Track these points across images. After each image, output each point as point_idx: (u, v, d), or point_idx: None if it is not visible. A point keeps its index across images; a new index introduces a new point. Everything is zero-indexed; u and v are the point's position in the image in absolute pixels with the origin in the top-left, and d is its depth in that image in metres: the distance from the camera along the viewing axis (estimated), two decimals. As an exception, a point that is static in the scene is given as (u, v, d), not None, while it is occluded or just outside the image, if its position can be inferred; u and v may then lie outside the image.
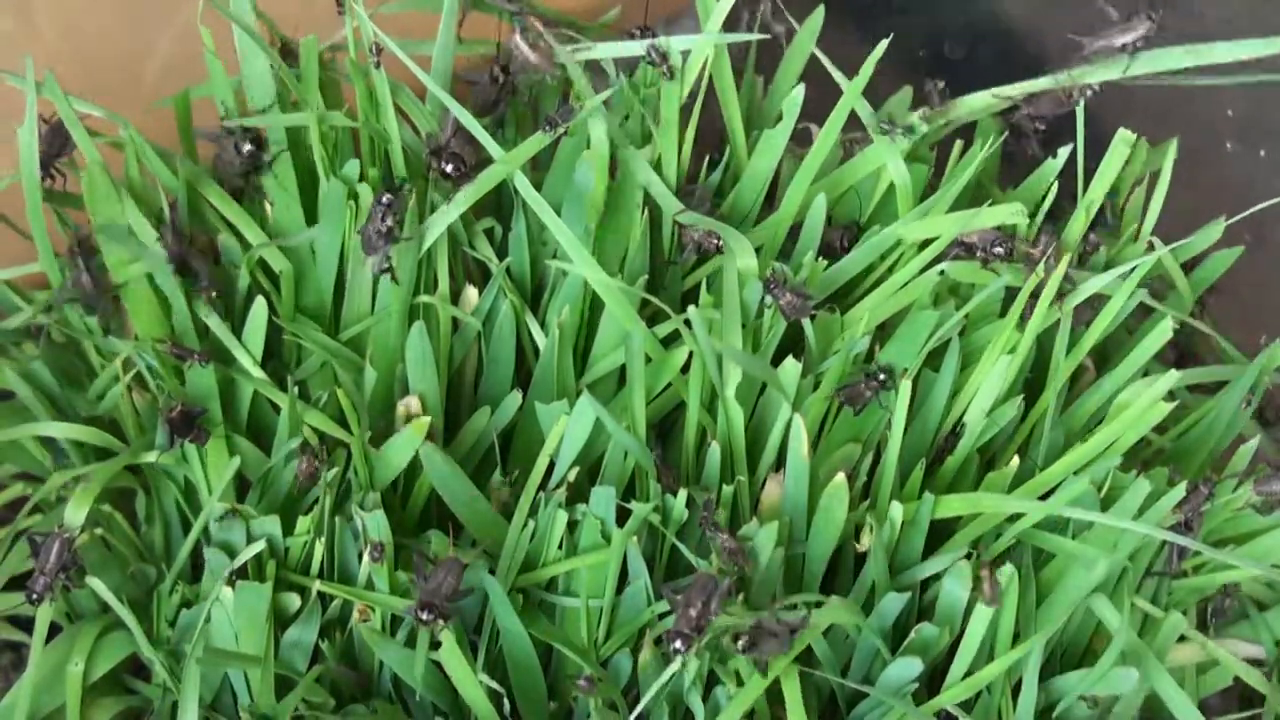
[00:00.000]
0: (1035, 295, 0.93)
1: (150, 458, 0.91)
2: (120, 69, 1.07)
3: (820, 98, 0.97)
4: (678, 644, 0.82)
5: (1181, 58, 0.98)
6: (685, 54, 0.95)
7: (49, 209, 0.93)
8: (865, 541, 0.91)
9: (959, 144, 1.01)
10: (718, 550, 0.87)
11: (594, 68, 0.97)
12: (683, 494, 0.89)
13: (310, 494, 0.91)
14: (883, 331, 0.96)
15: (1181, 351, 1.08)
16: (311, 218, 0.95)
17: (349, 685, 0.91)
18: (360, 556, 0.89)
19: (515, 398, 0.94)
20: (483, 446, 0.95)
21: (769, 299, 0.92)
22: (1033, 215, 0.96)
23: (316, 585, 0.88)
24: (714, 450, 0.91)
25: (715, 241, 0.94)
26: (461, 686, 0.88)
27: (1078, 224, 0.96)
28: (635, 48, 0.94)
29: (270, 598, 0.88)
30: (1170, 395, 0.92)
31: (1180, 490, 0.91)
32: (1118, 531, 0.90)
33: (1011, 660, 0.89)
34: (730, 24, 1.00)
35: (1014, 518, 0.92)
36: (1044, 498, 0.91)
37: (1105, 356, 1.02)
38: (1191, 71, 1.01)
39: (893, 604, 0.90)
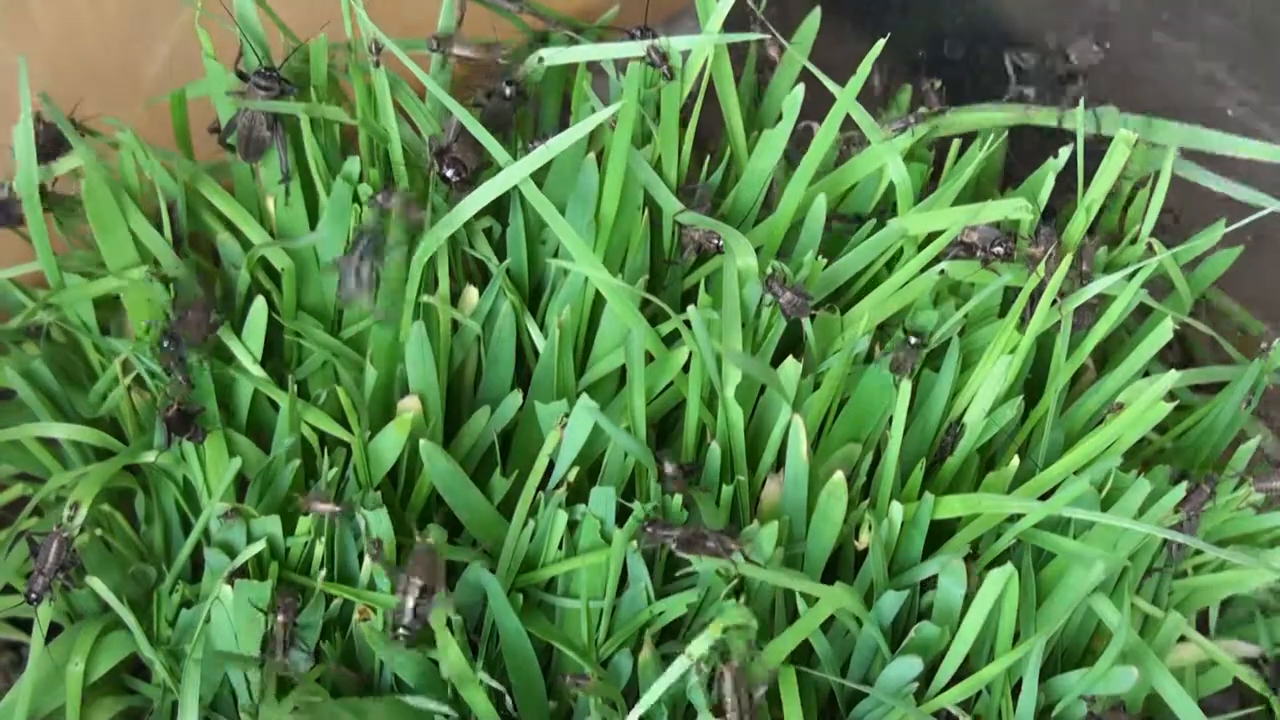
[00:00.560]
0: (1035, 295, 0.93)
1: (149, 457, 0.91)
2: (119, 70, 1.07)
3: (820, 97, 0.97)
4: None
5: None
6: (685, 54, 0.95)
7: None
8: (864, 540, 0.91)
9: (957, 141, 1.01)
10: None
11: (594, 68, 0.97)
12: (677, 498, 0.89)
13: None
14: (883, 331, 0.96)
15: (1183, 351, 1.09)
16: (314, 215, 0.95)
17: (349, 685, 0.91)
18: (361, 556, 0.89)
19: (515, 398, 0.94)
20: (483, 446, 0.95)
21: (768, 298, 0.92)
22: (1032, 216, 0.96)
23: (318, 585, 0.88)
24: (714, 450, 0.91)
25: (716, 241, 0.94)
26: (461, 686, 0.88)
27: (1078, 224, 0.96)
28: (635, 48, 0.94)
29: (271, 597, 0.88)
30: (1170, 395, 0.92)
31: (1181, 490, 0.91)
32: (1118, 532, 0.90)
33: (1011, 660, 0.89)
34: (731, 24, 1.00)
35: (1014, 518, 0.92)
36: (1044, 498, 0.91)
37: (1106, 357, 1.02)
38: (1192, 72, 1.01)
39: (891, 602, 0.90)
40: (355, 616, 0.89)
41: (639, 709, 0.83)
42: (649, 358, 0.92)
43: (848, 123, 0.96)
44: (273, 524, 0.90)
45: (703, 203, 0.97)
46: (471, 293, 0.95)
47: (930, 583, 0.93)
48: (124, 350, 0.93)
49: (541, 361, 0.94)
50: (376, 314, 0.92)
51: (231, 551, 0.90)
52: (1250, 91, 1.16)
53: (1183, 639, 0.96)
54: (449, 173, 0.92)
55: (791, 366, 0.91)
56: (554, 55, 0.96)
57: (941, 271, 0.94)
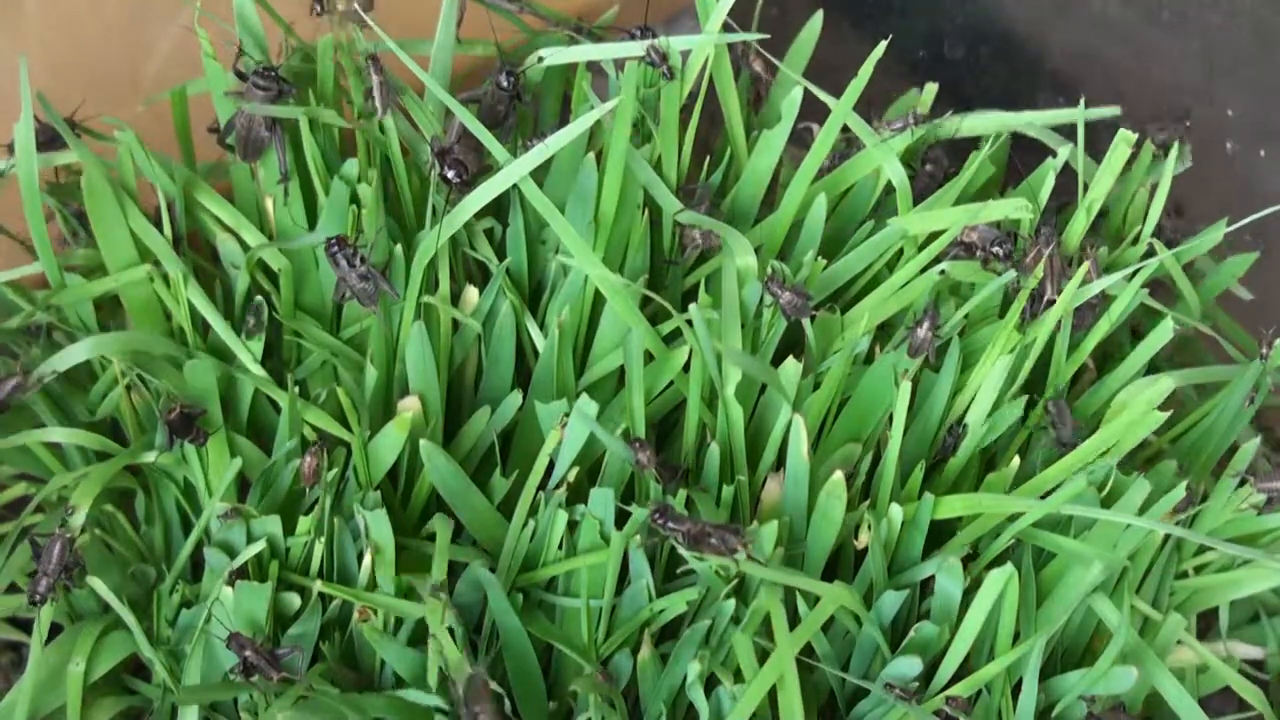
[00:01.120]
0: (1035, 296, 0.93)
1: (149, 458, 0.91)
2: (119, 69, 1.07)
3: (819, 98, 0.97)
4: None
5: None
6: (685, 54, 0.95)
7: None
8: (864, 539, 0.91)
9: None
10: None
11: (594, 68, 0.97)
12: (682, 494, 0.89)
13: (311, 493, 0.91)
14: (883, 331, 0.96)
15: (1185, 351, 1.08)
16: (312, 215, 0.95)
17: (349, 685, 0.91)
18: (360, 557, 0.89)
19: (515, 398, 0.94)
20: (483, 446, 0.95)
21: (768, 298, 0.92)
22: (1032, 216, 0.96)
23: (317, 585, 0.88)
24: (714, 450, 0.91)
25: (716, 240, 0.94)
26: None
27: (1078, 224, 0.96)
28: (635, 48, 0.94)
29: (270, 597, 0.88)
30: (1171, 395, 0.92)
31: (1181, 489, 0.91)
32: (1117, 533, 0.90)
33: (1011, 660, 0.89)
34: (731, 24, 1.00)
35: (1014, 517, 0.92)
36: (1044, 498, 0.91)
37: (1107, 357, 1.02)
38: (1192, 72, 1.01)
39: (891, 602, 0.90)
40: (355, 616, 0.89)
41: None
42: (649, 357, 0.92)
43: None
44: (273, 524, 0.90)
45: (702, 202, 0.97)
46: (472, 292, 0.95)
47: (931, 582, 0.93)
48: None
49: (541, 361, 0.94)
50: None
51: (231, 551, 0.90)
52: (1250, 92, 1.16)
53: (1181, 642, 0.96)
54: (450, 174, 0.92)
55: (791, 366, 0.91)
56: (554, 55, 0.96)
57: (942, 272, 0.94)
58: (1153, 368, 0.98)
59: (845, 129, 0.96)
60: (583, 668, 0.89)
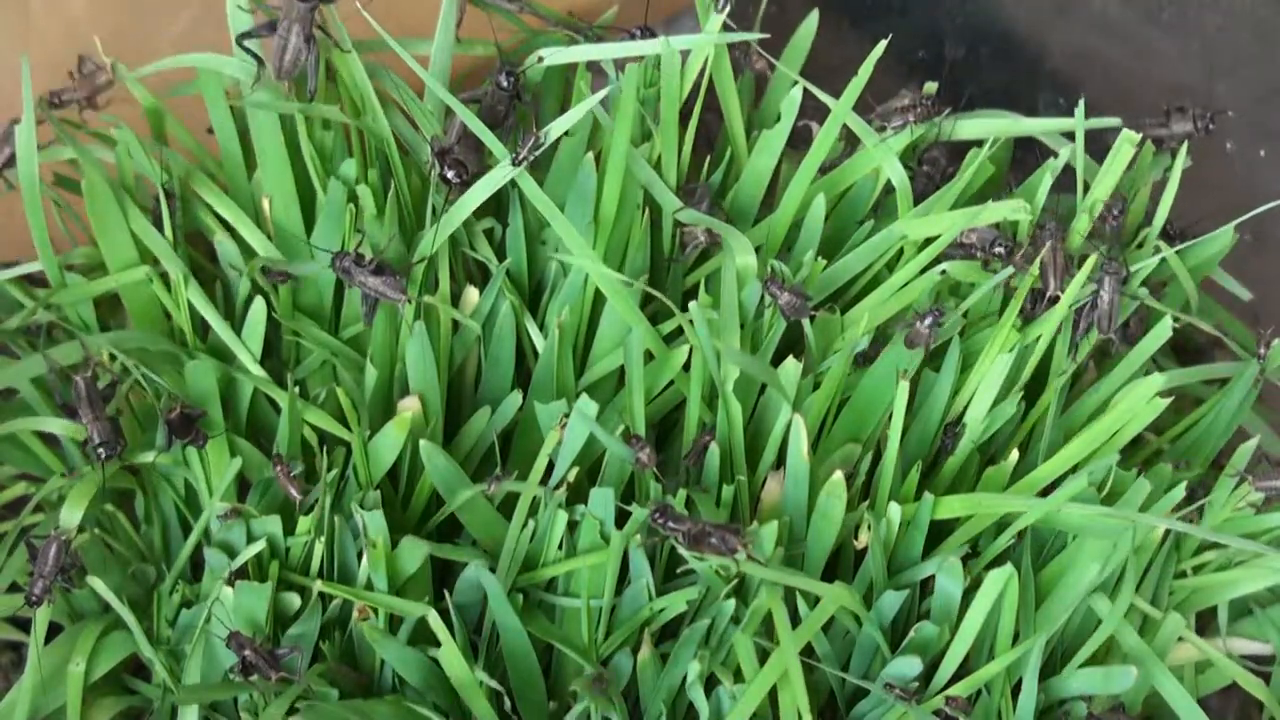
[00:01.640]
0: (1036, 295, 0.93)
1: (148, 458, 0.91)
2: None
3: (819, 98, 0.97)
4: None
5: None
6: (685, 54, 0.95)
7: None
8: (863, 539, 0.91)
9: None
10: None
11: (594, 67, 0.97)
12: (682, 493, 0.89)
13: (310, 494, 0.91)
14: (883, 332, 0.96)
15: (1187, 350, 1.08)
16: (309, 215, 0.95)
17: (349, 684, 0.91)
18: (360, 556, 0.89)
19: (515, 398, 0.94)
20: (483, 446, 0.95)
21: (768, 298, 0.92)
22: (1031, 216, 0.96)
23: (317, 585, 0.88)
24: (714, 450, 0.91)
25: (717, 238, 0.94)
26: (461, 686, 0.88)
27: (1080, 224, 0.96)
28: (635, 48, 0.94)
29: (271, 598, 0.88)
30: (1171, 393, 0.92)
31: (1181, 489, 0.91)
32: (1117, 533, 0.90)
33: (1011, 659, 0.89)
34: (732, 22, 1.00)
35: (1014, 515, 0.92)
36: (1043, 494, 0.91)
37: (1107, 356, 1.02)
38: (1192, 72, 1.01)
39: (891, 602, 0.90)
40: (354, 616, 0.89)
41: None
42: (649, 357, 0.92)
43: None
44: (273, 524, 0.90)
45: (703, 201, 0.97)
46: (472, 293, 0.95)
47: (930, 582, 0.93)
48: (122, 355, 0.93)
49: (541, 361, 0.94)
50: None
51: (231, 551, 0.90)
52: (1250, 92, 1.16)
53: (1182, 639, 0.96)
54: (450, 174, 0.92)
55: (791, 366, 0.91)
56: (554, 55, 0.96)
57: (943, 272, 0.94)
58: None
59: (846, 128, 0.96)
60: (583, 668, 0.89)
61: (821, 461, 0.93)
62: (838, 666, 0.92)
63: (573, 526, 0.90)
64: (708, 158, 1.01)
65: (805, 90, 0.96)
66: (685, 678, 0.89)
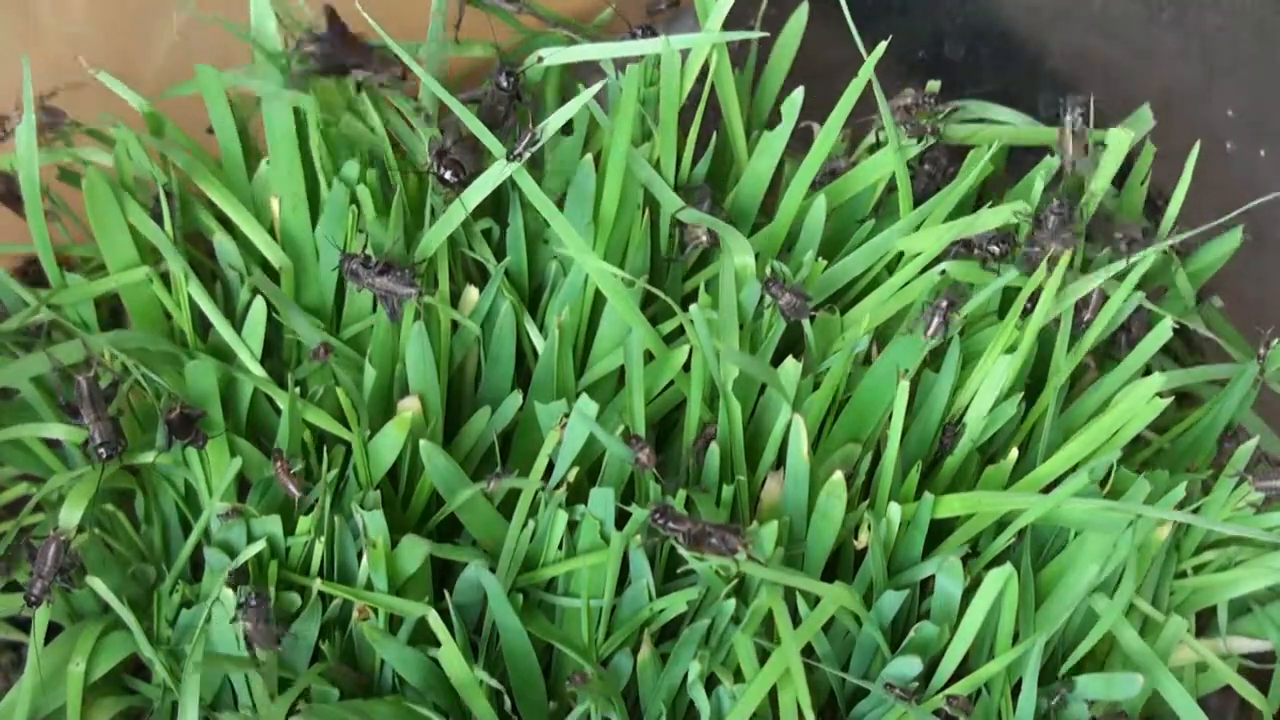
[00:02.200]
0: (1035, 295, 0.93)
1: (148, 458, 0.91)
2: (117, 66, 1.07)
3: (820, 97, 0.97)
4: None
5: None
6: (685, 53, 0.95)
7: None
8: (863, 539, 0.91)
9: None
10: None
11: (594, 67, 0.97)
12: (682, 493, 0.89)
13: (310, 493, 0.91)
14: (882, 330, 0.96)
15: (1189, 349, 1.08)
16: (316, 214, 0.95)
17: (349, 684, 0.91)
18: (360, 556, 0.89)
19: (515, 398, 0.94)
20: (483, 446, 0.95)
21: (768, 299, 0.92)
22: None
23: (317, 585, 0.88)
24: (714, 450, 0.91)
25: (717, 239, 0.95)
26: (461, 686, 0.88)
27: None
28: (634, 48, 0.94)
29: (271, 597, 0.88)
30: (1172, 393, 0.92)
31: (1181, 489, 0.91)
32: (1118, 530, 0.90)
33: (1011, 659, 0.89)
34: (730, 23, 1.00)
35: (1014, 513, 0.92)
36: (1043, 493, 0.91)
37: (1108, 356, 1.02)
38: (1192, 72, 1.01)
39: (891, 602, 0.90)
40: (354, 616, 0.89)
41: None
42: (649, 357, 0.93)
43: (849, 123, 0.96)
44: (273, 524, 0.90)
45: (703, 200, 0.97)
46: (471, 293, 0.95)
47: (930, 582, 0.93)
48: (122, 354, 0.93)
49: (541, 361, 0.94)
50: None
51: (231, 551, 0.90)
52: (1250, 92, 1.16)
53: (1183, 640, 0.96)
54: (448, 175, 0.92)
55: (791, 366, 0.91)
56: (554, 55, 0.96)
57: (943, 272, 0.94)
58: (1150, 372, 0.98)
59: (845, 129, 0.96)
60: (583, 668, 0.89)
61: (821, 461, 0.93)
62: (838, 666, 0.92)
63: (573, 526, 0.90)
64: (708, 154, 1.01)
65: (805, 90, 0.96)
66: (685, 677, 0.89)
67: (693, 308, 0.89)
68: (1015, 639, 0.91)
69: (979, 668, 0.91)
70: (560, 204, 0.94)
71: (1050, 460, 0.92)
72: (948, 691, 0.89)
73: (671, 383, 0.93)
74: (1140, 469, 0.93)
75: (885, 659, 0.91)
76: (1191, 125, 1.04)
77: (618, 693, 0.90)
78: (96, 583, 0.88)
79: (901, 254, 0.97)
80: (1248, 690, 0.94)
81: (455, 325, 0.95)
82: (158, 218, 0.93)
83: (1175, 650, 0.96)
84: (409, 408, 0.92)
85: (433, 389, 0.93)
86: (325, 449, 0.91)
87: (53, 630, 0.91)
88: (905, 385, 0.91)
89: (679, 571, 0.91)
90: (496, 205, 0.98)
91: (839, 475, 0.89)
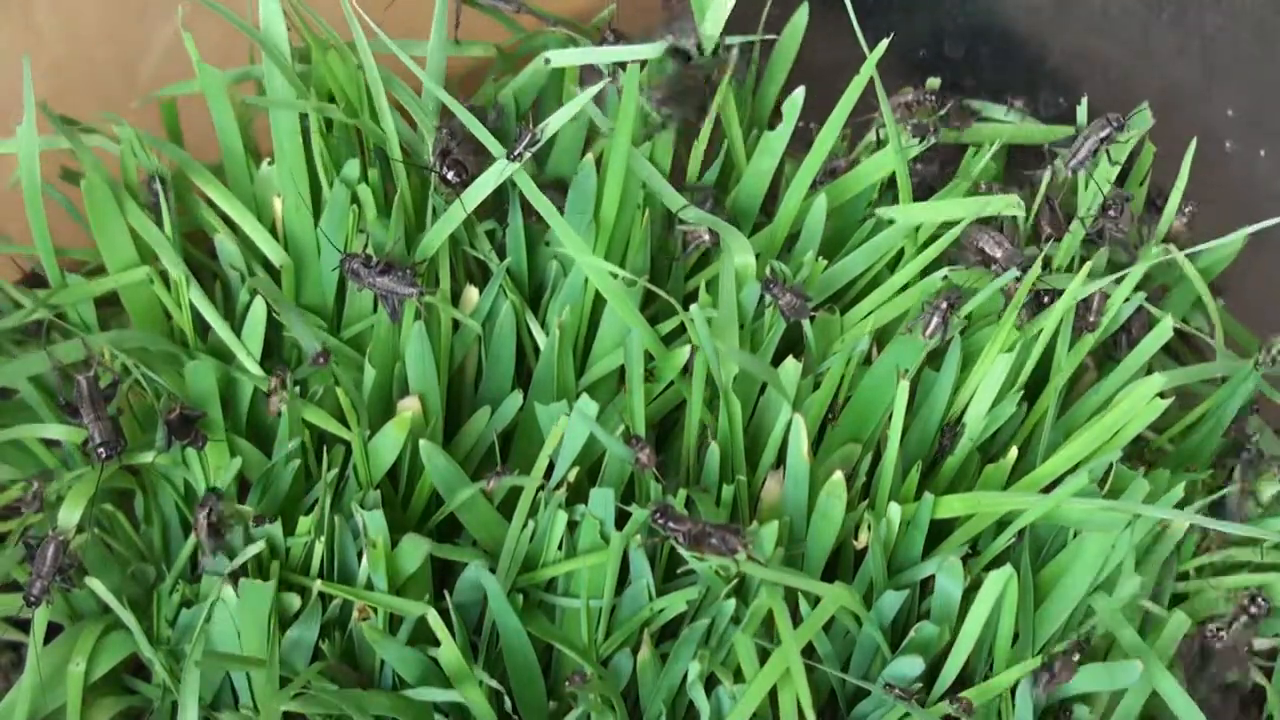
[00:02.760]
0: (1036, 295, 0.93)
1: (146, 459, 0.91)
2: (120, 68, 1.07)
3: (820, 97, 0.97)
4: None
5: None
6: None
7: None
8: (863, 539, 0.91)
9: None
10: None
11: (592, 66, 0.98)
12: (682, 493, 0.89)
13: (310, 493, 0.91)
14: (882, 330, 0.96)
15: (1190, 350, 1.08)
16: (319, 215, 0.95)
17: (349, 683, 0.91)
18: (360, 556, 0.89)
19: (516, 398, 0.94)
20: (483, 446, 0.95)
21: (768, 299, 0.92)
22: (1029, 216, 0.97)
23: (317, 585, 0.88)
24: (714, 450, 0.91)
25: (718, 239, 0.95)
26: (461, 686, 0.88)
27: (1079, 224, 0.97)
28: (637, 51, 0.94)
29: (273, 598, 0.88)
30: (1174, 393, 0.92)
31: (1180, 489, 0.91)
32: (1117, 529, 0.90)
33: (1026, 671, 0.89)
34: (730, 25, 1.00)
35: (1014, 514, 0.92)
36: (1043, 493, 0.91)
37: (1108, 357, 1.02)
38: (1192, 72, 1.01)
39: (892, 602, 0.90)
40: (354, 616, 0.89)
41: None
42: (649, 358, 0.92)
43: (850, 122, 0.96)
44: (273, 524, 0.90)
45: (704, 200, 0.97)
46: (472, 292, 0.95)
47: (931, 581, 0.93)
48: (122, 354, 0.93)
49: (541, 361, 0.94)
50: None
51: (231, 552, 0.90)
52: (1250, 92, 1.16)
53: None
54: (450, 175, 0.92)
55: (792, 366, 0.91)
56: (559, 58, 0.96)
57: (945, 277, 0.94)
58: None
59: (846, 128, 0.96)
60: (583, 668, 0.89)
61: (821, 461, 0.93)
62: (838, 666, 0.92)
63: (573, 526, 0.90)
64: (714, 161, 1.01)
65: (808, 91, 0.96)
66: (685, 677, 0.89)
67: (694, 308, 0.89)
68: (1015, 639, 0.91)
69: (978, 667, 0.91)
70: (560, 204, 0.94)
71: (1050, 460, 0.92)
72: (963, 694, 0.89)
73: (672, 383, 0.93)
74: (1145, 468, 0.93)
75: (885, 659, 0.90)
76: (1191, 125, 1.04)
77: (617, 693, 0.90)
78: (96, 583, 0.88)
79: (902, 252, 0.97)
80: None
81: (456, 325, 0.95)
82: (158, 215, 0.93)
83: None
84: (409, 408, 0.92)
85: (433, 389, 0.93)
86: (325, 449, 0.91)
87: (53, 630, 0.91)
88: (905, 385, 0.91)
89: (679, 571, 0.91)
90: (498, 205, 0.98)
91: (840, 476, 0.89)
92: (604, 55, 0.96)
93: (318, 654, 0.90)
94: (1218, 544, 0.98)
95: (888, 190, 0.99)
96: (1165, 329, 0.95)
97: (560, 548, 0.90)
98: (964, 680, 0.91)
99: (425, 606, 0.87)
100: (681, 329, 0.94)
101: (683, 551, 0.86)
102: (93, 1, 1.06)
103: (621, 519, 0.89)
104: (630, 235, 0.95)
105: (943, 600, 0.91)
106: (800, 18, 1.04)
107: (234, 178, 0.97)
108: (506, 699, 0.90)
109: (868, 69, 0.93)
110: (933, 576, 0.92)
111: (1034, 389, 0.96)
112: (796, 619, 0.89)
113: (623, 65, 0.93)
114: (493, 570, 0.90)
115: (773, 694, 0.86)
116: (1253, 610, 0.93)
